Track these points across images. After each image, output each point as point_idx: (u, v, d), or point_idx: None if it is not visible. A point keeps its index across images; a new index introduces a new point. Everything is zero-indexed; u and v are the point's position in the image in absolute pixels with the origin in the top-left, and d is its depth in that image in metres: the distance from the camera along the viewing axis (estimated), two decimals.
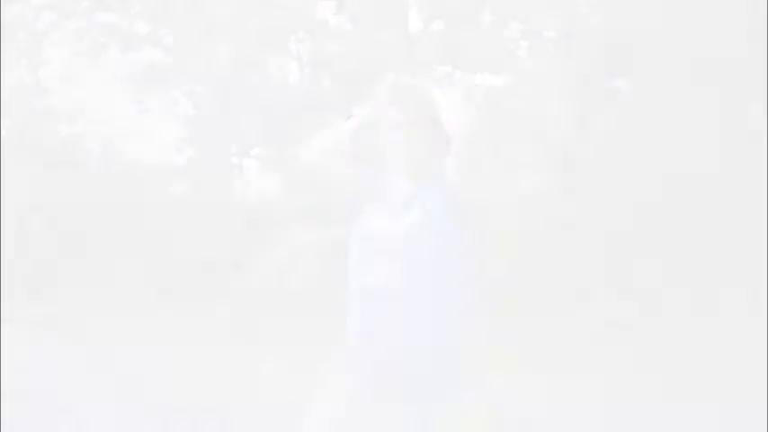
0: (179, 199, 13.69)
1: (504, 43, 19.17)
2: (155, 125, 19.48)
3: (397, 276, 1.83)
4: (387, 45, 15.15)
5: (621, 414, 5.14)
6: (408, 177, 1.94)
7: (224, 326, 9.32)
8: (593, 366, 7.14)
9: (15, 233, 10.19)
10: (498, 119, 19.55)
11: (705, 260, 11.63)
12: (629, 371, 6.98)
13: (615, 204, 15.16)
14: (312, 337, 9.07)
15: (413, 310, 1.80)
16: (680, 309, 9.61)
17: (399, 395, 1.77)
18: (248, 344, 8.76)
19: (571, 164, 15.84)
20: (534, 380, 6.58)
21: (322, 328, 9.06)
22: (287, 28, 13.11)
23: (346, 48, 14.63)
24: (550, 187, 19.71)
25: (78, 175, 11.70)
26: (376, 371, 1.81)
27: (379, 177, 2.05)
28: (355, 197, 2.06)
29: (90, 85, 16.87)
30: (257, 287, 9.93)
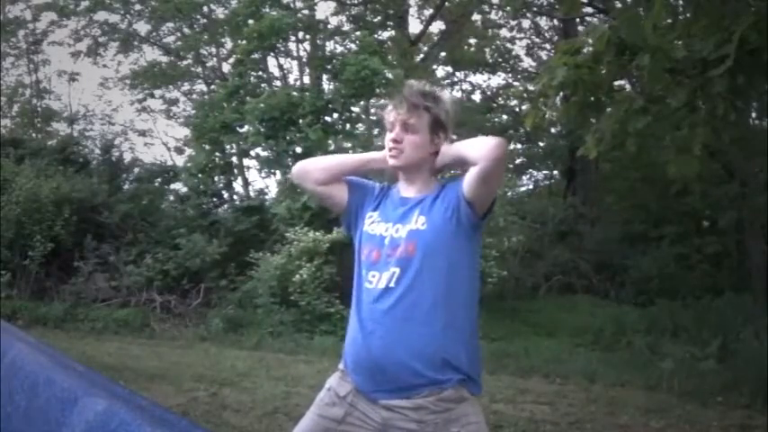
0: (179, 199, 13.73)
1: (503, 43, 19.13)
2: (155, 125, 19.34)
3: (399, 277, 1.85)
4: (387, 45, 15.18)
5: None
6: (410, 180, 1.94)
7: (224, 321, 9.33)
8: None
9: (15, 232, 10.19)
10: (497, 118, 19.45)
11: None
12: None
13: (615, 203, 15.14)
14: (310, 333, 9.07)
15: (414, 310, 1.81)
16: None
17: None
18: (247, 339, 8.77)
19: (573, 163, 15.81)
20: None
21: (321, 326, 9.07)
22: (287, 28, 13.12)
23: (346, 48, 14.65)
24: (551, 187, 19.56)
25: (79, 174, 11.71)
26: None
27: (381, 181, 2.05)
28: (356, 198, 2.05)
29: (90, 85, 16.79)
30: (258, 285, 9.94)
